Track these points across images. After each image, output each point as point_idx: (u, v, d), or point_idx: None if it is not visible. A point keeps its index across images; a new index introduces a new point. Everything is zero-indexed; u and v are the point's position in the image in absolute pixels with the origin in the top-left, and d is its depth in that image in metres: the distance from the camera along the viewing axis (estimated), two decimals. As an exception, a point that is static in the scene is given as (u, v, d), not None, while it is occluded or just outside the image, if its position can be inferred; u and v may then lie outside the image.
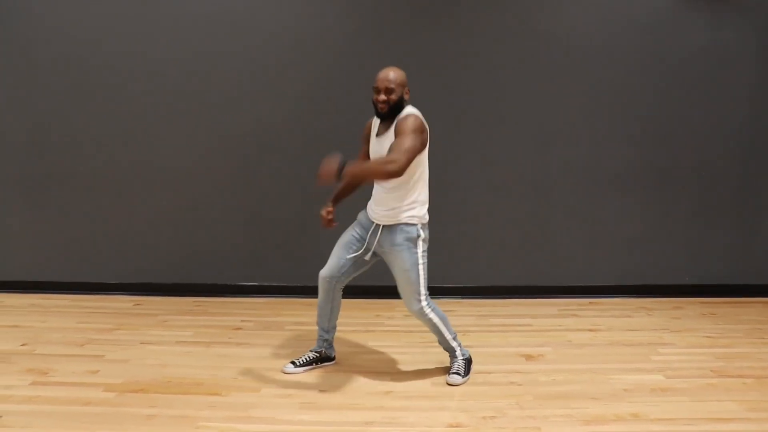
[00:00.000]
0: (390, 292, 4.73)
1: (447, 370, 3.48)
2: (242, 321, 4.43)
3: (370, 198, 3.44)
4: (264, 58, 4.84)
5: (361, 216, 3.48)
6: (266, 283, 5.03)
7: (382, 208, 3.31)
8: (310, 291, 4.90)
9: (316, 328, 3.63)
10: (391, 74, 3.21)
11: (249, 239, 5.00)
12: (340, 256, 3.43)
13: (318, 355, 3.61)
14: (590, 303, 4.89)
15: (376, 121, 3.38)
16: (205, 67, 4.84)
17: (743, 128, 4.94)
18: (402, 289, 3.34)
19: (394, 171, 3.00)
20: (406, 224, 3.26)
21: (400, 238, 3.26)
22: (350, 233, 3.45)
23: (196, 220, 4.99)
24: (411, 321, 4.40)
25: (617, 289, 5.04)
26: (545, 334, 4.19)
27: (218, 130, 4.90)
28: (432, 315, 3.36)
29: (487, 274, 5.00)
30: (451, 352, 3.51)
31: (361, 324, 4.35)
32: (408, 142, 3.07)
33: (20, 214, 5.03)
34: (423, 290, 3.31)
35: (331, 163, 3.00)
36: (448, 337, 3.47)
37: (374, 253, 3.40)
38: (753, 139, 4.95)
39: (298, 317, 4.50)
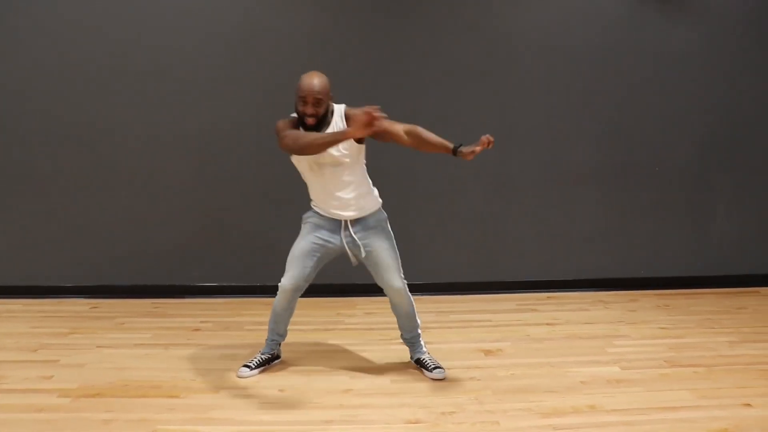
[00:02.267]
0: (351, 290, 4.79)
1: (409, 367, 3.50)
2: (201, 322, 4.38)
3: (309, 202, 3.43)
4: (222, 58, 4.79)
5: (315, 221, 3.37)
6: (225, 284, 4.99)
7: (347, 206, 3.28)
8: (269, 290, 4.86)
9: (267, 334, 3.58)
10: (317, 83, 3.09)
11: (207, 240, 4.95)
12: (304, 264, 3.35)
13: (270, 356, 3.58)
14: (548, 297, 4.96)
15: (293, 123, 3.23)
16: (163, 67, 4.78)
17: (696, 126, 5.07)
18: (386, 268, 3.35)
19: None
20: (373, 210, 3.36)
21: (372, 221, 3.34)
22: (308, 240, 3.35)
23: (154, 221, 4.92)
24: (371, 319, 4.42)
25: (575, 284, 5.13)
26: (504, 329, 4.23)
27: (175, 130, 4.84)
28: (409, 294, 3.43)
29: (447, 271, 5.04)
30: (416, 341, 3.53)
31: (321, 322, 4.34)
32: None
33: (-30, 217, 4.91)
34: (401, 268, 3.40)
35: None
36: (418, 322, 3.51)
37: (353, 251, 3.35)
38: (704, 137, 5.08)
39: (258, 317, 4.47)
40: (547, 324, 4.33)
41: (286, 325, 3.59)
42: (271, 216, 4.90)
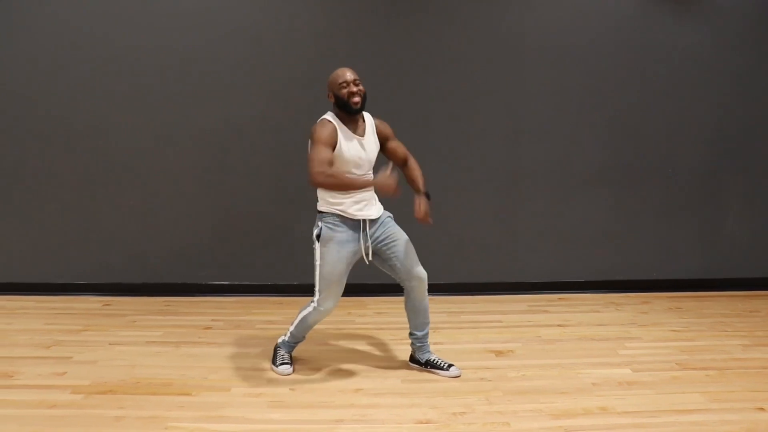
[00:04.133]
0: (361, 290, 4.78)
1: (419, 366, 3.51)
2: (212, 320, 4.40)
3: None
4: (235, 55, 4.81)
5: (337, 236, 3.29)
6: (236, 282, 5.00)
7: (370, 205, 3.37)
8: (280, 290, 4.94)
9: (289, 336, 3.59)
10: (352, 70, 3.29)
11: (219, 238, 4.97)
12: (342, 283, 3.37)
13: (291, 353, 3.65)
14: (560, 299, 4.94)
15: (338, 125, 3.27)
16: (177, 65, 4.80)
17: (709, 126, 5.04)
18: (408, 256, 3.39)
19: None
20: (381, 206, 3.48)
21: (385, 217, 3.44)
22: (343, 259, 3.30)
23: (166, 220, 4.95)
24: (382, 319, 4.43)
25: (587, 285, 5.11)
26: (515, 330, 4.22)
27: (188, 128, 4.86)
28: None
29: (458, 271, 5.03)
30: (425, 340, 3.53)
31: (331, 322, 4.33)
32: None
33: (-16, 215, 4.95)
34: None
35: (392, 179, 3.13)
36: (429, 319, 3.53)
37: (374, 249, 3.39)
38: (717, 138, 5.05)
39: (269, 316, 4.48)
40: (559, 325, 4.31)
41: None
42: (283, 215, 4.92)
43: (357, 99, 3.23)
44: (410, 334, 3.54)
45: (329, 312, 3.41)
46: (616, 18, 4.89)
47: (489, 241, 5.04)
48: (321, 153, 3.14)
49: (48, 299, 4.84)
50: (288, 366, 3.51)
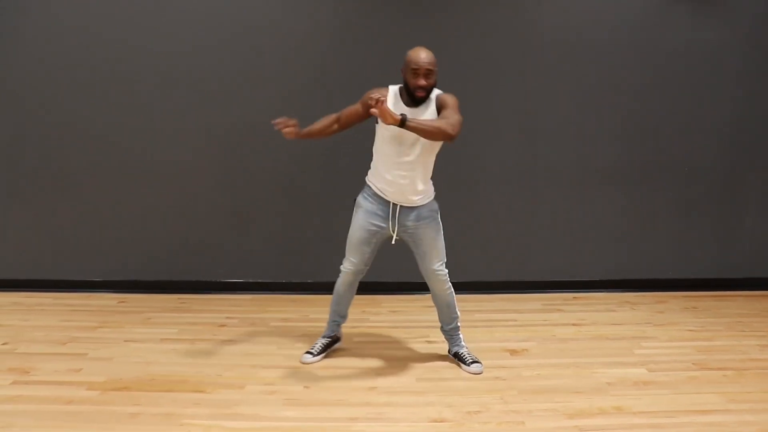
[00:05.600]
0: (376, 288, 4.78)
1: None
2: (227, 318, 4.41)
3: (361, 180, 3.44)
4: (251, 54, 4.81)
5: (367, 205, 3.39)
6: (251, 280, 5.02)
7: (408, 192, 3.30)
8: (295, 287, 4.94)
9: (329, 316, 3.72)
10: (430, 56, 3.16)
11: (234, 236, 4.98)
12: (362, 251, 3.45)
13: (330, 339, 3.72)
14: (575, 298, 4.92)
15: (395, 97, 3.27)
16: (192, 64, 4.81)
17: (726, 124, 4.98)
18: (431, 257, 3.41)
19: (453, 136, 3.07)
20: (429, 199, 3.42)
21: (425, 211, 3.38)
22: (364, 227, 3.40)
23: (181, 217, 4.96)
24: (396, 317, 4.42)
25: (602, 284, 5.08)
26: (530, 328, 4.21)
27: (204, 126, 4.87)
28: (450, 284, 3.51)
29: (473, 270, 5.01)
30: (454, 333, 3.61)
31: (346, 320, 4.34)
32: (459, 116, 3.13)
33: (2, 212, 4.98)
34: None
35: (387, 106, 2.91)
36: (458, 314, 3.59)
37: (398, 235, 3.41)
38: (735, 135, 4.99)
39: (283, 314, 4.49)
40: (574, 324, 4.29)
41: (348, 307, 3.72)
42: (297, 213, 4.92)
43: (421, 92, 3.17)
44: (440, 326, 3.66)
45: (347, 275, 3.53)
46: (632, 16, 4.85)
47: (504, 240, 5.02)
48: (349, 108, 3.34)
49: (64, 296, 4.87)
50: (309, 356, 3.61)
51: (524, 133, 4.94)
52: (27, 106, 4.87)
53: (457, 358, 3.57)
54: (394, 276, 4.65)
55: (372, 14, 4.79)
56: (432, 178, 3.42)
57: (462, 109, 3.22)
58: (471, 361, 3.50)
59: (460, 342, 3.62)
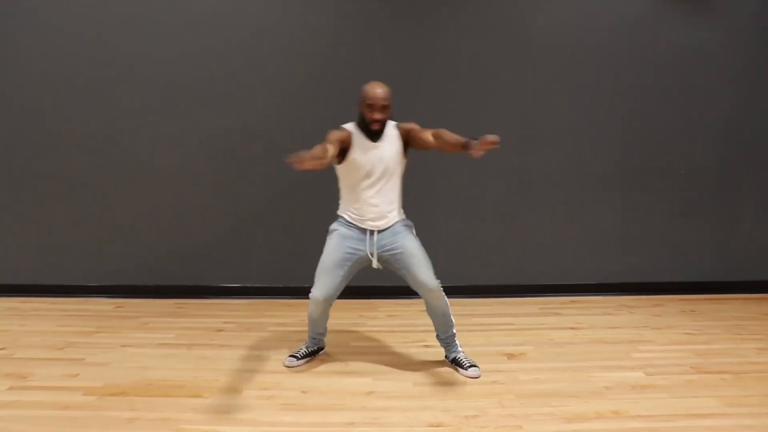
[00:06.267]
0: (373, 292, 4.78)
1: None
2: (224, 323, 4.41)
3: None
4: (246, 58, 4.82)
5: (342, 230, 3.44)
6: (248, 285, 5.01)
7: (382, 217, 3.38)
8: (292, 292, 4.94)
9: (308, 334, 3.73)
10: (384, 91, 3.26)
11: (230, 241, 4.98)
12: (334, 275, 3.41)
13: (315, 349, 3.74)
14: (572, 301, 4.92)
15: (356, 133, 3.36)
16: (188, 68, 4.82)
17: (722, 126, 5.00)
18: (419, 270, 3.37)
19: None
20: (402, 218, 3.50)
21: (399, 226, 3.43)
22: (339, 250, 3.40)
23: (178, 222, 4.96)
24: (393, 321, 4.41)
25: (599, 288, 5.08)
26: (527, 332, 4.20)
27: (199, 130, 4.87)
28: (444, 294, 3.47)
29: (469, 273, 5.01)
30: (451, 340, 3.60)
31: (343, 325, 4.34)
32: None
33: (-2, 217, 4.99)
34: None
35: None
36: (453, 322, 3.57)
37: (379, 258, 3.42)
38: (731, 138, 5.01)
39: (280, 318, 4.48)
40: (571, 328, 4.29)
41: (325, 325, 3.71)
42: (294, 218, 4.92)
43: (376, 126, 3.27)
44: (437, 334, 3.64)
45: (317, 302, 3.45)
46: (628, 18, 4.86)
47: (500, 243, 5.02)
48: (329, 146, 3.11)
49: (61, 301, 4.87)
50: (293, 359, 3.64)
51: (521, 136, 4.95)
52: (18, 110, 4.87)
53: (455, 363, 3.56)
54: (391, 280, 4.65)
55: (371, 19, 4.80)
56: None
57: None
58: (468, 365, 3.50)
59: (457, 348, 3.61)
